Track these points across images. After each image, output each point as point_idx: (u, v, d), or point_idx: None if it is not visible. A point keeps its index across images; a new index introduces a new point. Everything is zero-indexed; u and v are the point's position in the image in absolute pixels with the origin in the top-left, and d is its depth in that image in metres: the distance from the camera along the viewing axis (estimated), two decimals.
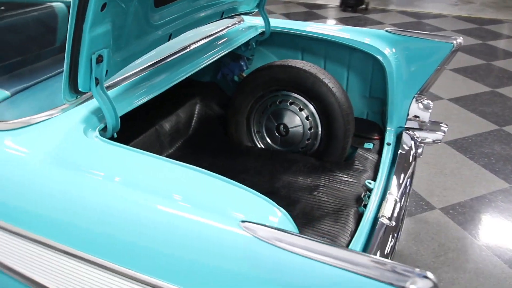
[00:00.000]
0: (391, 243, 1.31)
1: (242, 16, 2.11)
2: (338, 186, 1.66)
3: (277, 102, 1.98)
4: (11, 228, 1.07)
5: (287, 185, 1.71)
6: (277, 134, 2.03)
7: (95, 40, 1.05)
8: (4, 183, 1.08)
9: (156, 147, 2.08)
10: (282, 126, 1.99)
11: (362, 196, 1.56)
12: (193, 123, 2.37)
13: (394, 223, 1.35)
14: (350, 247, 1.31)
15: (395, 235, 1.35)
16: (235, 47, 1.89)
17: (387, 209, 1.40)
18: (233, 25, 2.02)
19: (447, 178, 2.71)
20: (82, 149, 1.07)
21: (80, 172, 1.00)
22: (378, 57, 1.84)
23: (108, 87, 1.30)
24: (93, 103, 1.20)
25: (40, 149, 1.07)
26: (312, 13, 6.75)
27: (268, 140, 2.07)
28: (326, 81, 1.80)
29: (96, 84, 1.12)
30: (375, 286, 0.71)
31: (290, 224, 0.85)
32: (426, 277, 0.70)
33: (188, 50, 1.70)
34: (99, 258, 0.94)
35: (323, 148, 1.89)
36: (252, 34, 2.01)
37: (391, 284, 0.70)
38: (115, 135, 1.22)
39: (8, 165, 1.09)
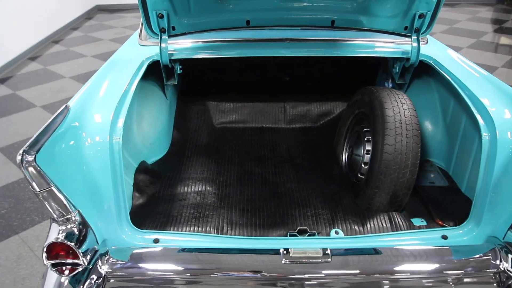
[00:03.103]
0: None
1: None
2: (312, 216, 1.61)
3: (360, 125, 1.89)
4: None
5: (287, 190, 1.81)
6: (348, 154, 1.97)
7: (155, 2, 1.60)
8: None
9: (273, 118, 2.36)
10: (351, 149, 1.92)
11: (299, 228, 1.52)
12: (324, 120, 2.37)
13: (287, 262, 1.25)
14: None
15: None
16: (352, 55, 1.80)
17: (299, 252, 1.26)
18: (374, 41, 1.83)
19: None
20: (130, 67, 1.69)
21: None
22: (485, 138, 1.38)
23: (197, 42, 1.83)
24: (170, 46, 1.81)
25: (124, 56, 1.86)
26: None
27: (347, 158, 2.01)
28: (387, 119, 1.50)
29: (163, 32, 1.70)
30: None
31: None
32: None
33: (289, 41, 1.81)
34: None
35: (359, 187, 1.72)
36: (388, 54, 1.81)
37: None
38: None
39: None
